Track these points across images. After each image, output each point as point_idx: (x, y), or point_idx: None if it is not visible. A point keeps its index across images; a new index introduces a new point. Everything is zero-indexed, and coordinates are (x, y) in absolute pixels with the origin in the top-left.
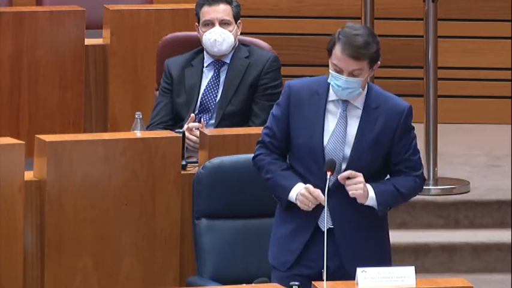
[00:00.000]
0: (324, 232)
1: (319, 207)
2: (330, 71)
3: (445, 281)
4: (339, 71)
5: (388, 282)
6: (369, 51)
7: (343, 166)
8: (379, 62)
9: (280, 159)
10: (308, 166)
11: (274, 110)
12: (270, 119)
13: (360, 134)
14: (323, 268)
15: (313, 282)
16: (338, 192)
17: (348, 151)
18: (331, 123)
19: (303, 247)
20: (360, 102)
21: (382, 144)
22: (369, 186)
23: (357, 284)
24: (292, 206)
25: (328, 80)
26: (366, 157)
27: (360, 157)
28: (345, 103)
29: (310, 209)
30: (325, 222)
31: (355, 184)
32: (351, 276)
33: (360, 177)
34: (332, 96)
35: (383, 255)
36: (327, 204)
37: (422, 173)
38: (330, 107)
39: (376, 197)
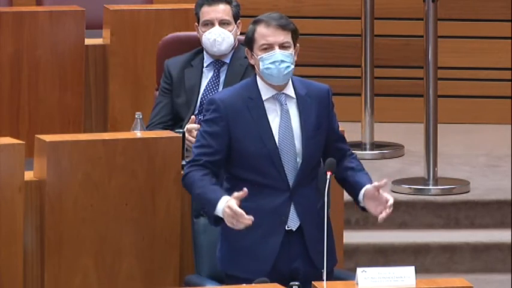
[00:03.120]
0: (293, 233)
1: (286, 206)
2: (260, 57)
3: (445, 281)
4: (269, 47)
5: (388, 282)
6: (288, 21)
7: (298, 159)
8: (298, 46)
9: (210, 174)
10: (265, 171)
11: (208, 127)
12: (203, 137)
13: (303, 123)
14: (294, 270)
15: (313, 282)
16: (299, 189)
17: (298, 144)
18: (274, 122)
19: (278, 251)
20: (291, 92)
21: (322, 129)
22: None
23: (357, 284)
24: (258, 211)
25: (262, 68)
26: (313, 143)
27: (309, 145)
28: (282, 96)
29: (237, 228)
30: (325, 222)
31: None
32: (321, 274)
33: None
34: (265, 95)
35: (334, 248)
36: (292, 203)
37: None
38: (268, 106)
39: None
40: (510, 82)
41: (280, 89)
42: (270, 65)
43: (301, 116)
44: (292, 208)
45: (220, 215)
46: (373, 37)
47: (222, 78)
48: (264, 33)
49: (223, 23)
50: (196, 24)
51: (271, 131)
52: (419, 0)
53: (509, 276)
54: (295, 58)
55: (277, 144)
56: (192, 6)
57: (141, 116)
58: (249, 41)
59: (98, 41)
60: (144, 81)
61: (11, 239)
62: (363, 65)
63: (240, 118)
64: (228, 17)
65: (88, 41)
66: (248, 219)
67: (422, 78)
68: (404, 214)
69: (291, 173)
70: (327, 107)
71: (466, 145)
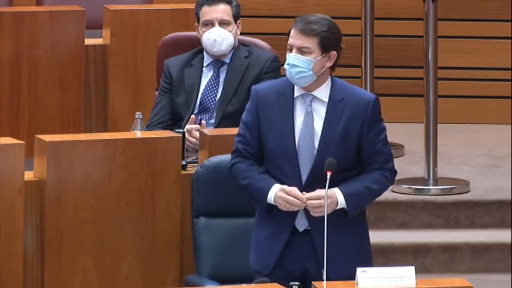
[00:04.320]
0: (301, 233)
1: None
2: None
3: (445, 281)
4: (290, 48)
5: (388, 282)
6: (319, 27)
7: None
8: (335, 53)
9: (255, 164)
10: (282, 168)
11: (244, 116)
12: (241, 127)
13: (326, 127)
14: (304, 270)
15: (313, 282)
16: (312, 191)
17: (317, 146)
18: (299, 120)
19: (282, 249)
20: (324, 96)
21: (350, 137)
22: (337, 191)
23: (357, 284)
24: (272, 207)
25: (284, 66)
26: (335, 150)
27: (328, 150)
28: (309, 97)
29: (295, 209)
30: (325, 224)
31: (320, 206)
32: (330, 277)
33: (322, 199)
34: (297, 92)
35: (363, 253)
36: None
37: (394, 165)
38: (297, 103)
39: (346, 202)
40: (510, 82)
41: (308, 89)
42: (286, 66)
43: (326, 120)
44: (301, 209)
45: (273, 203)
46: (373, 37)
47: (222, 78)
48: (291, 33)
49: (223, 23)
50: (196, 24)
51: (294, 128)
52: (419, 0)
53: (509, 276)
54: (329, 64)
55: (296, 143)
56: (192, 6)
57: (141, 116)
58: (288, 36)
59: (98, 41)
60: (144, 81)
61: (11, 239)
62: (363, 65)
63: (269, 112)
64: (228, 17)
65: (88, 41)
66: (301, 202)
67: (422, 78)
68: (404, 214)
69: (306, 173)
70: (363, 117)
71: (466, 145)
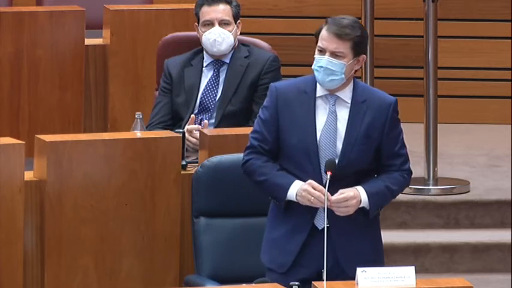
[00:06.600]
0: (320, 231)
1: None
2: (315, 56)
3: (445, 281)
4: (321, 51)
5: (388, 282)
6: (352, 32)
7: (337, 161)
8: (364, 56)
9: (271, 161)
10: (302, 165)
11: (262, 113)
12: (257, 123)
13: (349, 127)
14: (322, 268)
15: (313, 282)
16: (333, 190)
17: (340, 146)
18: (321, 119)
19: (300, 247)
20: (347, 97)
21: (372, 138)
22: (360, 189)
23: (357, 284)
24: (290, 205)
25: (312, 67)
26: (357, 150)
27: (351, 151)
28: (333, 97)
29: (317, 205)
30: (325, 221)
31: (346, 207)
32: (348, 275)
33: (352, 199)
34: (320, 92)
35: (377, 252)
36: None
37: (410, 167)
38: (319, 103)
39: (369, 201)
40: (510, 82)
41: (333, 90)
42: (317, 68)
43: (349, 121)
44: (321, 208)
45: (293, 199)
46: (373, 37)
47: (222, 78)
48: (323, 36)
49: (223, 23)
50: (196, 24)
51: (315, 127)
52: (419, 0)
53: (509, 276)
54: (357, 67)
55: (318, 141)
56: (192, 6)
57: (141, 116)
58: (315, 36)
59: (98, 41)
60: (144, 81)
61: (11, 239)
62: (363, 65)
63: (289, 109)
64: (228, 17)
65: (88, 41)
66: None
67: (422, 78)
68: (404, 214)
69: (331, 173)
70: (384, 119)
71: (466, 145)
